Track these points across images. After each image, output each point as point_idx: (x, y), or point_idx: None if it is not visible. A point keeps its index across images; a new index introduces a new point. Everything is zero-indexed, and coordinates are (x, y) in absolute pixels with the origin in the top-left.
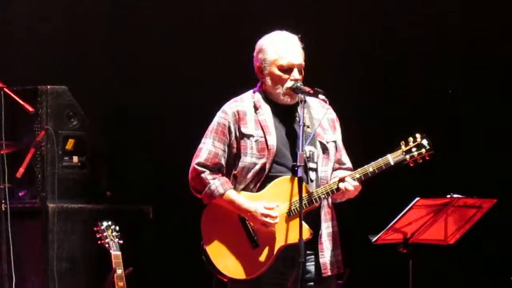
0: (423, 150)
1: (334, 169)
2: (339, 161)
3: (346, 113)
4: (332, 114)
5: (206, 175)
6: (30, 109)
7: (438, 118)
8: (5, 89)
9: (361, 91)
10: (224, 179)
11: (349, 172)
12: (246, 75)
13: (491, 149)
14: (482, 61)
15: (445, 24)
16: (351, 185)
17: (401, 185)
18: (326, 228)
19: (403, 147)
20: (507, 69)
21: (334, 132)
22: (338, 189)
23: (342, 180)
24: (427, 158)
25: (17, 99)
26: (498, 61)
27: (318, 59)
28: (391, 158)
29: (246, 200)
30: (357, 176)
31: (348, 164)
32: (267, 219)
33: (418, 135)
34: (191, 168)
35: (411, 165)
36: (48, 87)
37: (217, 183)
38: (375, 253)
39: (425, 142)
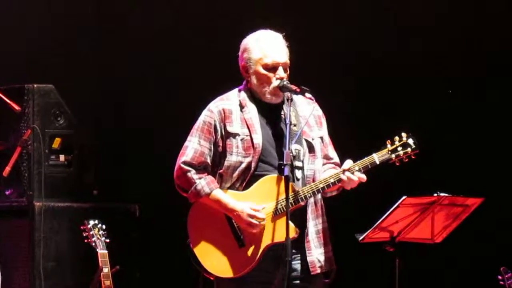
0: (409, 149)
1: (323, 164)
2: (326, 156)
3: (332, 111)
4: (319, 111)
5: (192, 174)
6: (17, 107)
7: (425, 116)
8: None
9: (347, 89)
10: (210, 178)
11: (337, 169)
12: (234, 74)
13: (479, 148)
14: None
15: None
16: (355, 176)
17: (388, 183)
18: (314, 225)
19: (389, 146)
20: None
21: (320, 128)
22: (328, 185)
23: (344, 171)
24: (413, 157)
25: (4, 97)
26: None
27: (305, 57)
28: (376, 157)
29: (232, 199)
30: (331, 180)
31: (336, 158)
32: (253, 220)
33: (404, 134)
34: (176, 166)
35: (397, 164)
36: (35, 85)
37: (203, 183)
38: (361, 252)
39: (411, 141)
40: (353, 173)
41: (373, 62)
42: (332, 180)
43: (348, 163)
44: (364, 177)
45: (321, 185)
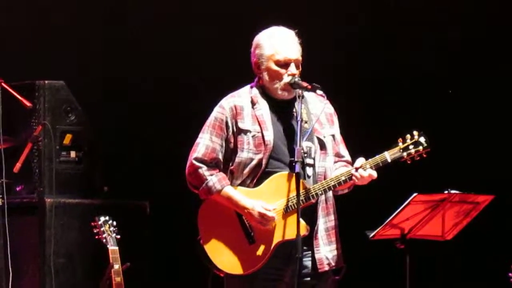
0: (420, 148)
1: (335, 162)
2: (337, 154)
3: (343, 109)
4: (330, 109)
5: (204, 171)
6: (28, 104)
7: (436, 114)
8: (2, 84)
9: (359, 88)
10: (222, 175)
11: (349, 167)
12: (245, 71)
13: (489, 145)
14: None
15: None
16: (366, 172)
17: (399, 180)
18: (323, 223)
19: (400, 144)
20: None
21: (332, 126)
22: (340, 183)
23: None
24: (424, 155)
25: (15, 94)
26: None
27: (315, 55)
28: (388, 155)
29: (243, 197)
30: (343, 178)
31: (347, 157)
32: (264, 218)
33: (415, 132)
34: (188, 163)
35: (408, 162)
36: (46, 82)
37: (215, 179)
38: (372, 249)
39: (422, 139)
40: (365, 170)
41: (384, 61)
42: (343, 178)
43: (360, 160)
44: (374, 174)
45: (332, 183)
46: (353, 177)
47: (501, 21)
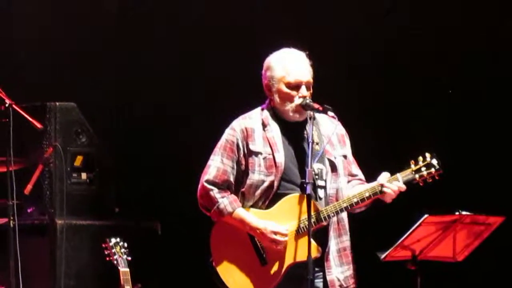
0: (433, 170)
1: (348, 181)
2: (350, 173)
3: (355, 130)
4: (342, 130)
5: (215, 193)
6: (39, 125)
7: (448, 135)
8: (13, 105)
9: (369, 108)
10: (233, 197)
11: (366, 185)
12: (256, 92)
13: (501, 167)
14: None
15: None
16: (391, 189)
17: (410, 202)
18: (335, 244)
19: (412, 166)
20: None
21: (343, 147)
22: (352, 204)
23: (382, 185)
24: (437, 177)
25: (26, 115)
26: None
27: (326, 74)
28: (400, 177)
29: (255, 218)
30: (367, 195)
31: (360, 175)
32: (277, 237)
33: (427, 155)
34: (200, 185)
35: (421, 184)
36: (57, 103)
37: (226, 202)
38: (383, 270)
39: (434, 161)
40: (391, 183)
41: (396, 82)
42: (367, 194)
43: (385, 175)
44: (403, 186)
45: (344, 205)
46: (384, 189)
47: None
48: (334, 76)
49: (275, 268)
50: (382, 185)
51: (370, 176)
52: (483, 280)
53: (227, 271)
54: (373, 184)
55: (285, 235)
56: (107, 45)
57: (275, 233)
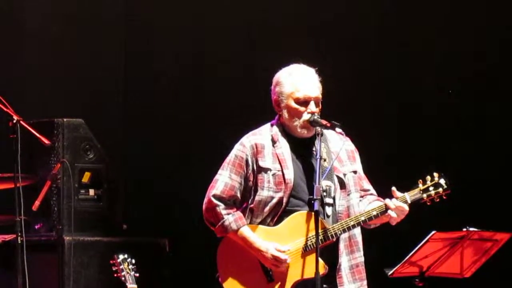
0: (441, 189)
1: (361, 197)
2: (362, 189)
3: (362, 149)
4: (351, 146)
5: (221, 209)
6: (46, 142)
7: (455, 152)
8: (21, 122)
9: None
10: (239, 214)
11: (382, 201)
12: (265, 108)
13: (508, 183)
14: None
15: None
16: (394, 212)
17: (417, 218)
18: (347, 261)
19: (420, 185)
20: None
21: (353, 163)
22: (360, 223)
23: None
24: (444, 197)
25: (33, 132)
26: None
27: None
28: (408, 197)
29: (258, 239)
30: (374, 213)
31: (372, 190)
32: (277, 261)
33: (435, 174)
34: (206, 199)
35: (428, 203)
36: (65, 120)
37: (231, 219)
38: (391, 287)
39: (442, 181)
40: (398, 204)
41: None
42: (375, 213)
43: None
44: (406, 207)
45: (352, 223)
46: (388, 211)
47: None
48: (344, 90)
49: (281, 285)
50: (386, 205)
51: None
52: None
53: (233, 287)
54: (382, 203)
55: (285, 260)
56: (114, 59)
57: (275, 258)
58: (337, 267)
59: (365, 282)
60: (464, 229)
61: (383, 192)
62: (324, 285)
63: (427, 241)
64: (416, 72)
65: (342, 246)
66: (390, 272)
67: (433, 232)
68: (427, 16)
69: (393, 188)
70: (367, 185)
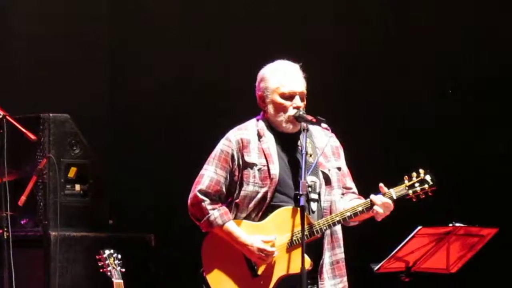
0: (426, 186)
1: (342, 194)
2: (345, 186)
3: (349, 143)
4: (336, 142)
5: (206, 204)
6: (33, 137)
7: (441, 147)
8: (7, 117)
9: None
10: (224, 209)
11: (362, 199)
12: (250, 103)
13: (494, 178)
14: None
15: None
16: (381, 208)
17: (403, 213)
18: (329, 257)
19: (406, 182)
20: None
21: (337, 159)
22: (345, 219)
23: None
24: (430, 194)
25: (20, 127)
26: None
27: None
28: (394, 193)
29: (243, 233)
30: (360, 209)
31: (354, 189)
32: (263, 254)
33: (421, 171)
34: (192, 194)
35: (414, 200)
36: (51, 115)
37: (216, 214)
38: (377, 282)
39: (428, 177)
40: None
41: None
42: (360, 208)
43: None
44: (390, 202)
45: (337, 218)
46: (374, 206)
47: None
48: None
49: (266, 280)
50: (371, 201)
51: (363, 191)
52: None
53: (218, 282)
54: (367, 199)
55: (272, 252)
56: (101, 55)
57: (262, 250)
58: (321, 262)
59: (345, 279)
60: (450, 225)
61: (368, 188)
62: (308, 281)
63: (413, 236)
64: (404, 65)
65: (325, 242)
66: (376, 268)
67: (419, 227)
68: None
69: (381, 184)
70: (350, 182)
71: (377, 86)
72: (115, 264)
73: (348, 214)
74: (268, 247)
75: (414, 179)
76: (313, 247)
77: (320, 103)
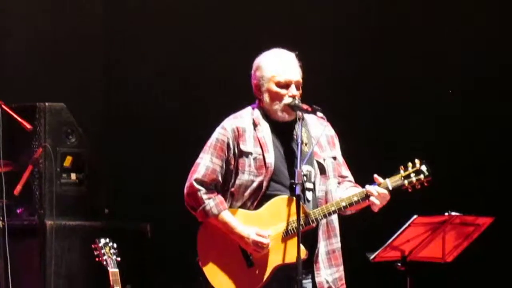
0: (422, 176)
1: (339, 183)
2: (340, 175)
3: (345, 133)
4: (331, 131)
5: (202, 194)
6: (28, 126)
7: (438, 136)
8: (3, 106)
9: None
10: (220, 199)
11: (359, 188)
12: (246, 92)
13: (490, 167)
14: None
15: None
16: (377, 199)
17: (399, 203)
18: (324, 246)
19: (402, 172)
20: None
21: (332, 148)
22: (341, 209)
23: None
24: (426, 184)
25: (15, 116)
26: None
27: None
28: (389, 183)
29: (239, 224)
30: (355, 199)
31: (350, 177)
32: (258, 246)
33: (417, 161)
34: (188, 183)
35: (409, 190)
36: (46, 104)
37: (212, 204)
38: (373, 271)
39: (424, 168)
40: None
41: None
42: (356, 198)
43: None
44: (386, 192)
45: (333, 208)
46: (370, 197)
47: None
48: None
49: (261, 270)
50: (367, 192)
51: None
52: (472, 281)
53: (213, 271)
54: (363, 189)
55: (267, 245)
56: (96, 44)
57: (257, 242)
58: (316, 252)
59: (341, 268)
60: (446, 214)
61: (363, 178)
62: (304, 270)
63: (409, 225)
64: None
65: (320, 231)
66: (372, 257)
67: (415, 216)
68: None
69: (375, 175)
70: (345, 171)
71: (376, 73)
72: (111, 253)
73: (344, 204)
74: (263, 240)
75: (410, 170)
76: (308, 236)
77: (317, 92)
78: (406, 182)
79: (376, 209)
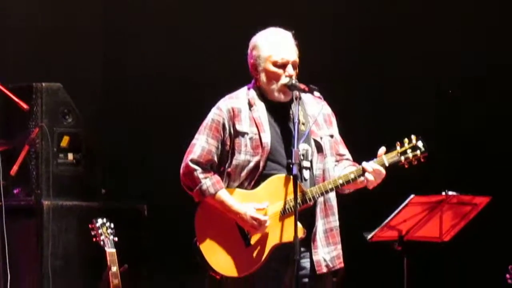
0: (418, 152)
1: (337, 161)
2: (338, 153)
3: (340, 110)
4: (328, 109)
5: (198, 173)
6: (25, 106)
7: (434, 115)
8: None
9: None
10: (216, 178)
11: (357, 166)
12: (242, 73)
13: (488, 147)
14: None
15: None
16: (372, 175)
17: (396, 182)
18: (322, 225)
19: (398, 148)
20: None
21: (329, 127)
22: (338, 186)
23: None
24: (422, 160)
25: (12, 96)
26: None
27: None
28: (386, 159)
29: (236, 202)
30: (352, 176)
31: (348, 155)
32: (256, 222)
33: (413, 137)
34: (183, 164)
35: (406, 166)
36: (43, 84)
37: (209, 183)
38: (370, 251)
39: (420, 144)
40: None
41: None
42: (352, 176)
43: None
44: (382, 170)
45: (330, 186)
46: (365, 174)
47: None
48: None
49: (259, 249)
50: (363, 168)
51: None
52: (470, 261)
53: (211, 251)
54: (360, 166)
55: (265, 221)
56: (95, 22)
57: (255, 219)
58: (314, 230)
59: (339, 246)
60: (443, 193)
61: (360, 157)
62: (302, 249)
63: (406, 205)
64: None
65: (318, 210)
66: (370, 236)
67: (412, 196)
68: None
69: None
70: (343, 149)
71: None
72: (108, 233)
73: (341, 181)
74: (261, 216)
75: (406, 146)
76: (306, 215)
77: (314, 72)
78: (402, 158)
79: (370, 186)
